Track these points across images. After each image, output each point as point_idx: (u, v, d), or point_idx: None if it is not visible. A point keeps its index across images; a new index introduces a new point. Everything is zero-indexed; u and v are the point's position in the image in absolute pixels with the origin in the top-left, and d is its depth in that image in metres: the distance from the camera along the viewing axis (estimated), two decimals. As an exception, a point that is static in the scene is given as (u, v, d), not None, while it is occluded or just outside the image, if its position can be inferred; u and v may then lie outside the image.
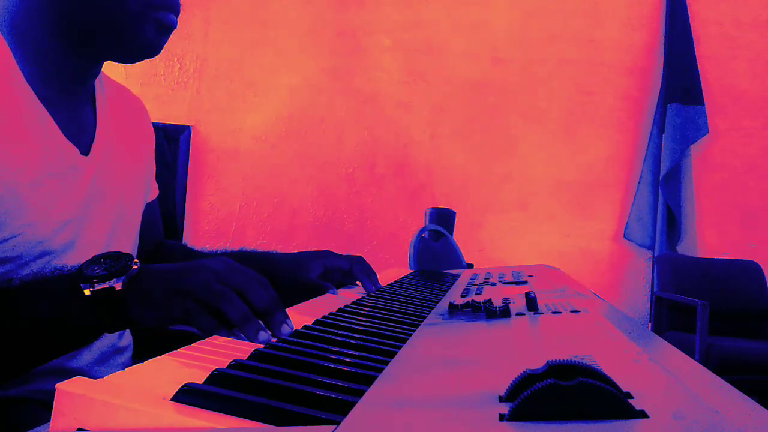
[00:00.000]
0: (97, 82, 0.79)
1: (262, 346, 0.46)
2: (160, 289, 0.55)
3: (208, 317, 0.53)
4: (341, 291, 0.87)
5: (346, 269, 0.91)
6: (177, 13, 0.71)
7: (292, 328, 0.53)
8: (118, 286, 0.54)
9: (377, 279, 0.92)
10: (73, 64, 0.70)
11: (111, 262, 0.56)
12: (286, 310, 0.56)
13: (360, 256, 0.94)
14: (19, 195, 0.62)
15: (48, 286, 0.57)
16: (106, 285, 0.54)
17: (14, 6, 0.67)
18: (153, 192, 0.95)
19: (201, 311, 0.53)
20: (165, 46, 0.72)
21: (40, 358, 0.59)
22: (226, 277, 0.55)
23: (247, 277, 0.56)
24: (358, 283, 0.93)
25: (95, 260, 0.56)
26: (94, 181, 0.73)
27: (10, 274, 0.62)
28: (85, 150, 0.72)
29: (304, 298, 0.76)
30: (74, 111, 0.73)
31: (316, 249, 0.97)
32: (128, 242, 0.82)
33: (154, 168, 0.95)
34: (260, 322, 0.52)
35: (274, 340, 0.51)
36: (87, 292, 0.54)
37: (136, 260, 0.57)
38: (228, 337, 0.51)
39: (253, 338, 0.51)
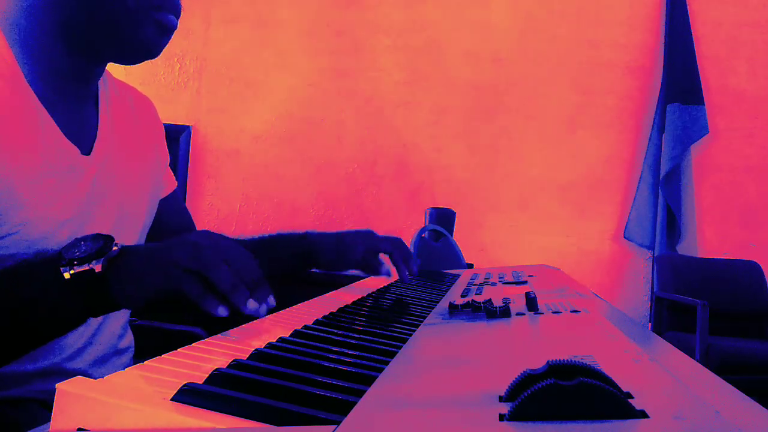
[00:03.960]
0: (101, 82, 0.79)
1: (262, 345, 0.46)
2: (143, 265, 0.55)
3: (196, 283, 0.52)
4: (341, 290, 0.87)
5: (388, 252, 0.91)
6: (177, 15, 0.71)
7: (273, 304, 0.53)
8: (98, 268, 0.54)
9: (415, 264, 0.91)
10: (74, 64, 0.70)
11: (90, 244, 0.55)
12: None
13: (400, 239, 0.93)
14: (16, 193, 0.62)
15: (29, 270, 0.57)
16: (86, 267, 0.54)
17: (15, 6, 0.67)
18: (169, 185, 0.93)
19: (188, 276, 0.52)
20: (165, 47, 0.72)
21: (25, 344, 0.59)
22: (210, 248, 0.54)
23: (231, 249, 0.55)
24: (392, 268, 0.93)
25: (75, 243, 0.56)
26: (95, 181, 0.73)
27: None
28: (86, 150, 0.72)
29: (343, 281, 0.76)
30: (76, 111, 0.73)
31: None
32: (130, 242, 0.82)
33: (167, 158, 0.93)
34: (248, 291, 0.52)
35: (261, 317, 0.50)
36: (67, 275, 0.54)
37: (116, 242, 0.57)
38: (213, 310, 0.51)
39: (242, 306, 0.50)
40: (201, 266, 0.52)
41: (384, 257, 0.93)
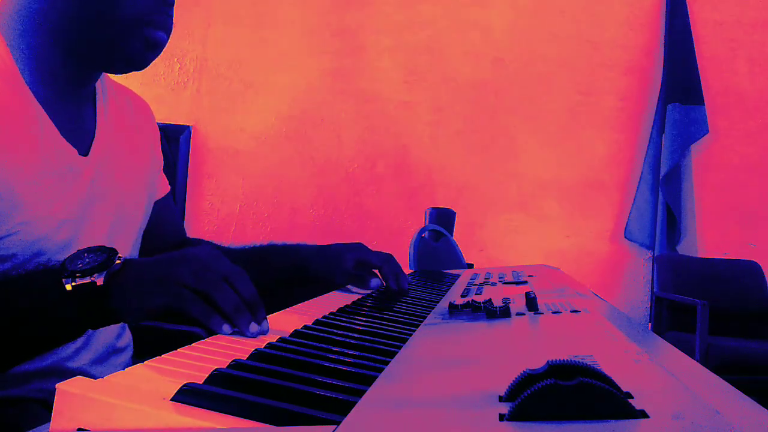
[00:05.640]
0: (99, 84, 0.79)
1: (262, 345, 0.46)
2: (145, 279, 0.55)
3: (200, 302, 0.52)
4: (341, 291, 0.87)
5: (376, 266, 0.91)
6: (168, 32, 0.72)
7: (267, 330, 0.53)
8: (100, 281, 0.54)
9: (405, 280, 0.91)
10: (70, 68, 0.71)
11: (93, 257, 0.56)
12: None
13: (390, 255, 0.93)
14: (15, 193, 0.62)
15: (31, 281, 0.57)
16: (87, 279, 0.54)
17: (15, 10, 0.67)
18: (163, 188, 0.94)
19: (192, 296, 0.53)
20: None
21: (24, 353, 0.59)
22: (212, 266, 0.55)
23: (230, 268, 0.56)
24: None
25: (78, 255, 0.56)
26: (93, 182, 0.73)
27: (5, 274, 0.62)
28: (84, 151, 0.73)
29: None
30: (74, 112, 0.73)
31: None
32: (127, 243, 0.82)
33: (161, 162, 0.94)
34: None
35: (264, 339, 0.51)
36: (68, 287, 0.54)
37: (120, 255, 0.57)
38: (218, 329, 0.51)
39: (245, 329, 0.51)
40: (204, 286, 0.53)
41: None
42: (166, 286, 0.54)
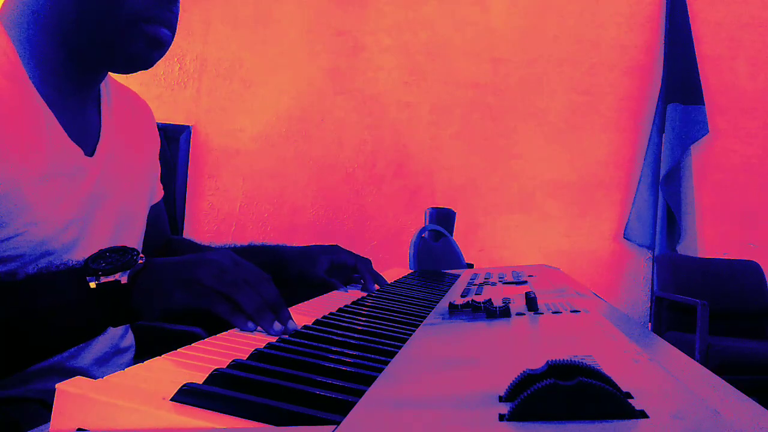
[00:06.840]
0: (103, 86, 0.79)
1: (262, 345, 0.46)
2: (168, 280, 0.56)
3: (223, 302, 0.54)
4: (339, 293, 0.87)
5: (351, 265, 0.93)
6: (171, 29, 0.70)
7: (296, 327, 0.54)
8: (124, 280, 0.55)
9: (383, 279, 0.92)
10: (75, 70, 0.71)
11: (116, 256, 0.56)
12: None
13: (367, 258, 0.95)
14: (23, 194, 0.62)
15: (54, 279, 0.57)
16: (111, 278, 0.54)
17: (21, 11, 0.67)
18: (158, 194, 0.95)
19: (216, 296, 0.54)
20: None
21: (45, 351, 0.59)
22: (233, 270, 0.56)
23: (251, 272, 0.58)
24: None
25: (100, 254, 0.57)
26: (98, 182, 0.73)
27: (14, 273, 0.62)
28: (89, 151, 0.73)
29: (312, 292, 0.77)
30: (79, 113, 0.73)
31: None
32: (132, 242, 0.82)
33: (159, 170, 0.96)
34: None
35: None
36: (92, 285, 0.54)
37: (141, 255, 0.57)
38: (242, 326, 0.53)
39: (269, 328, 0.52)
40: (227, 288, 0.55)
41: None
42: (189, 286, 0.55)
